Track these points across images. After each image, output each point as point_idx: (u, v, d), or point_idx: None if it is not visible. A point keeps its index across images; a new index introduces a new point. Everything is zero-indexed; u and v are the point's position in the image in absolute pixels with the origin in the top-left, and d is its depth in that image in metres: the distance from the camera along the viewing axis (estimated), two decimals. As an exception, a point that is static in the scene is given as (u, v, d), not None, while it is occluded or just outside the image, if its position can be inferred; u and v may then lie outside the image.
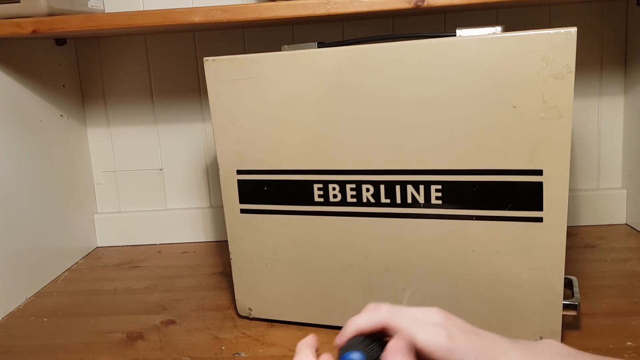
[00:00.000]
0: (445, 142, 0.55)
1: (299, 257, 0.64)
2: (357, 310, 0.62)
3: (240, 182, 0.64)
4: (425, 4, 0.61)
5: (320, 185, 0.61)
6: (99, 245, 1.01)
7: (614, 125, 0.91)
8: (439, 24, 0.91)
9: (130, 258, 0.94)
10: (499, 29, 0.53)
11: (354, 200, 0.60)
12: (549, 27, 0.89)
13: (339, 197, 0.61)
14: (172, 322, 0.70)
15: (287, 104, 0.60)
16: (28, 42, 0.83)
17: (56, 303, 0.78)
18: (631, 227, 0.91)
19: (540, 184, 0.53)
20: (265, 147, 0.62)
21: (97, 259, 0.95)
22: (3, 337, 0.69)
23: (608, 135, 0.92)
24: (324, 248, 0.63)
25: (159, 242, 1.00)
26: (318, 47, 0.60)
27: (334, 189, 0.61)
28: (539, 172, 0.53)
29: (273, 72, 0.60)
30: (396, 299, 0.60)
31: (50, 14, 0.69)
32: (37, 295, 0.81)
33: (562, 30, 0.50)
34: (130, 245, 1.00)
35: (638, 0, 0.83)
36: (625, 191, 0.92)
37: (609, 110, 0.91)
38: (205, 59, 0.62)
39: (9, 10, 0.68)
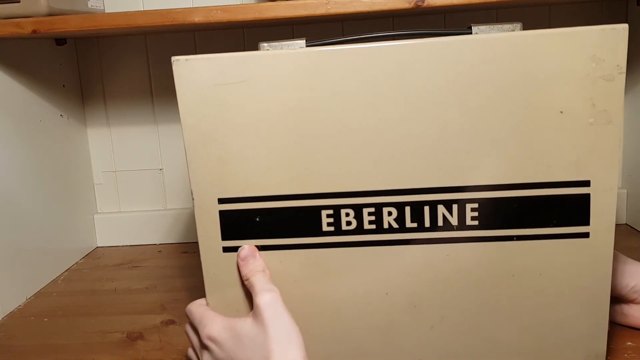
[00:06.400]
0: (482, 154, 0.49)
1: (303, 301, 0.53)
2: (374, 355, 0.54)
3: (223, 214, 0.52)
4: (425, 4, 0.61)
5: (330, 212, 0.51)
6: (99, 245, 1.01)
7: (614, 125, 0.91)
8: (439, 24, 0.91)
9: (130, 258, 0.94)
10: (518, 25, 0.48)
11: (373, 226, 0.51)
12: (549, 27, 0.89)
13: (354, 224, 0.51)
14: (172, 322, 0.70)
15: (284, 114, 0.50)
16: (28, 42, 0.83)
17: (56, 303, 0.78)
18: (631, 227, 0.90)
19: (588, 195, 0.49)
20: (257, 167, 0.51)
21: (97, 259, 0.95)
22: (3, 337, 0.69)
23: (608, 135, 0.91)
24: (335, 287, 0.53)
25: (159, 242, 1.00)
26: (307, 46, 0.50)
27: (347, 214, 0.51)
28: (587, 183, 0.49)
29: (265, 75, 0.49)
30: (421, 338, 0.53)
31: (50, 14, 0.69)
32: (37, 295, 0.81)
33: (613, 26, 0.45)
34: (130, 245, 1.00)
35: (638, 0, 0.83)
36: (626, 191, 0.92)
37: (609, 110, 0.91)
38: (174, 58, 0.49)
39: (9, 10, 0.68)
